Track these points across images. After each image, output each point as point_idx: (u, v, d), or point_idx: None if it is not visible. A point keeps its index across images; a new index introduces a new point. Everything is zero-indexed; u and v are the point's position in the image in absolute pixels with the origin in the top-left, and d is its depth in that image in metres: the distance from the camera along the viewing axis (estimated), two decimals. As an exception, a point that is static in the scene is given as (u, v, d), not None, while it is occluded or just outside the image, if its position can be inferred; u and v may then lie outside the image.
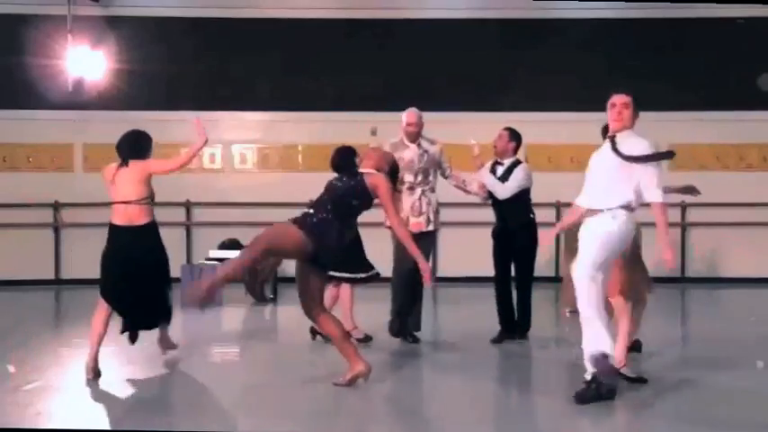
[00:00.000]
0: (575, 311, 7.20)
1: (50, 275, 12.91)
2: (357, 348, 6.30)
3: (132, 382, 6.51)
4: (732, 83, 12.81)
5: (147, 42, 12.76)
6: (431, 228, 7.73)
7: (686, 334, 9.39)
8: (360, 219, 6.35)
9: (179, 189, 12.20)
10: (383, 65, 12.93)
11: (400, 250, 7.59)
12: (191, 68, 12.83)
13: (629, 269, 6.46)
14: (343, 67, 12.91)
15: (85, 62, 12.79)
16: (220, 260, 10.95)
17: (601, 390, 5.65)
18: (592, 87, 12.33)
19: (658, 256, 5.62)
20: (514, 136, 7.82)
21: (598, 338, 5.63)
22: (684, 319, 10.57)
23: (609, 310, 7.35)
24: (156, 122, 12.76)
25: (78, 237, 12.88)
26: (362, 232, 7.64)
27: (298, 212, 6.04)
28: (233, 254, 11.41)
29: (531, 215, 7.80)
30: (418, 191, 7.70)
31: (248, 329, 9.25)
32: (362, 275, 7.43)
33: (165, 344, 7.22)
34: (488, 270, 7.86)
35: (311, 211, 5.96)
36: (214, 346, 7.71)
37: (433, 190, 7.79)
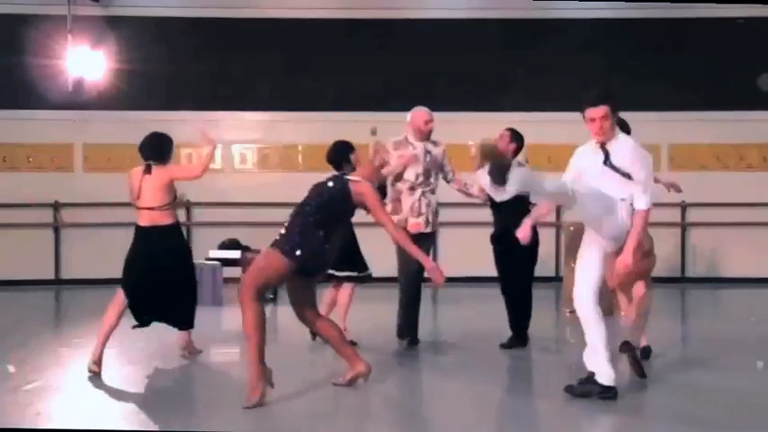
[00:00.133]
0: (575, 311, 7.21)
1: (50, 275, 12.92)
2: (355, 349, 6.30)
3: (132, 382, 6.51)
4: (732, 83, 12.82)
5: (147, 42, 12.77)
6: (429, 229, 7.62)
7: (686, 334, 9.39)
8: (360, 219, 6.34)
9: (179, 189, 12.18)
10: (383, 65, 12.93)
11: (404, 251, 7.58)
12: (191, 68, 12.84)
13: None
14: (343, 67, 12.91)
15: (85, 62, 12.80)
16: (220, 260, 10.98)
17: (593, 390, 5.69)
18: (592, 87, 12.41)
19: (621, 259, 5.58)
20: (516, 137, 7.67)
21: (600, 368, 5.71)
22: (684, 320, 10.57)
23: (614, 305, 7.40)
24: (156, 122, 12.74)
25: (78, 237, 12.89)
26: (363, 232, 7.67)
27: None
28: (233, 254, 11.48)
29: None
30: (419, 191, 7.58)
31: (248, 329, 9.23)
32: (367, 273, 7.52)
33: (189, 349, 7.25)
34: (488, 270, 7.82)
35: (289, 227, 5.76)
36: (214, 346, 7.70)
37: (433, 191, 7.67)
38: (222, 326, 9.49)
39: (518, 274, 7.64)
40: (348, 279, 7.68)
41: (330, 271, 7.43)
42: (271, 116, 13.03)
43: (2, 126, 12.76)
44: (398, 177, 7.59)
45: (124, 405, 5.83)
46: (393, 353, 7.43)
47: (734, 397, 5.95)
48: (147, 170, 6.99)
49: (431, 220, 7.62)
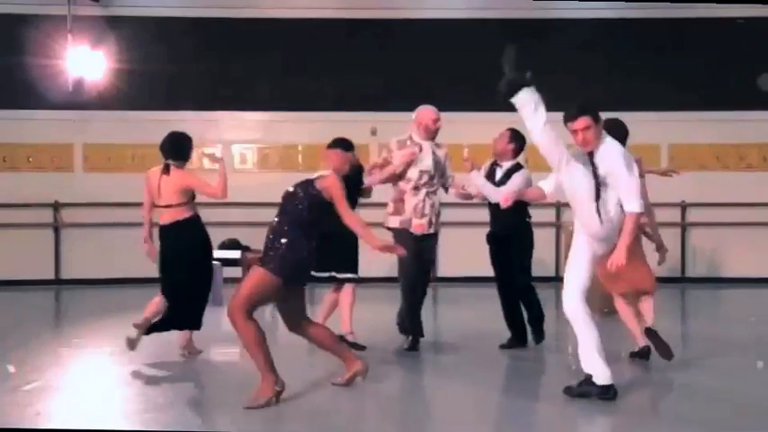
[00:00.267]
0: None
1: (50, 275, 12.92)
2: (350, 348, 6.29)
3: (132, 382, 6.51)
4: (732, 83, 12.82)
5: (147, 42, 12.77)
6: (432, 230, 7.55)
7: (686, 334, 9.38)
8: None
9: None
10: (383, 65, 12.93)
11: (409, 252, 7.55)
12: (191, 68, 12.84)
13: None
14: (343, 67, 12.91)
15: (85, 62, 12.80)
16: (220, 260, 10.96)
17: (592, 390, 5.69)
18: (592, 87, 12.42)
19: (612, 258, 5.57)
20: (515, 137, 7.52)
21: (595, 369, 5.72)
22: (684, 320, 10.56)
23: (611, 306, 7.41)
24: (156, 122, 12.76)
25: (78, 237, 12.89)
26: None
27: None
28: (233, 254, 11.47)
29: (528, 219, 7.52)
30: (423, 192, 7.46)
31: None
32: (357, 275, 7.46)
33: (190, 349, 7.27)
34: (488, 270, 7.80)
35: (271, 242, 5.67)
36: (214, 346, 7.70)
37: (436, 192, 7.57)
38: (222, 326, 9.44)
39: (513, 273, 7.53)
40: (349, 281, 7.58)
41: (331, 273, 7.40)
42: (270, 116, 13.03)
43: (2, 126, 12.76)
44: (401, 177, 7.49)
45: (124, 405, 5.83)
46: (393, 353, 7.42)
47: (734, 397, 5.94)
48: (166, 170, 7.07)
49: (434, 221, 7.54)
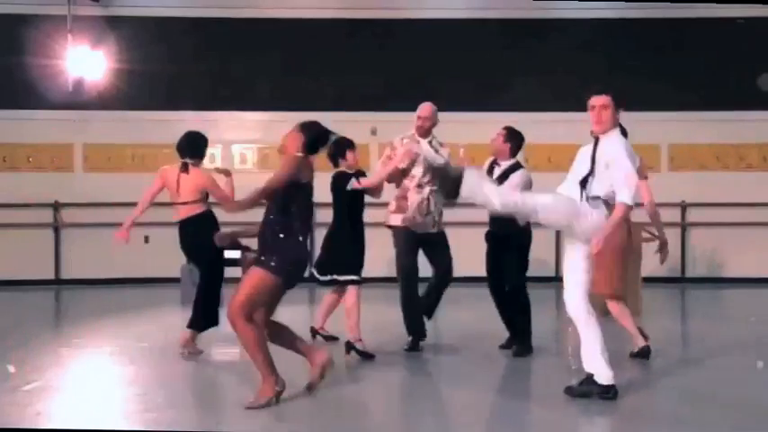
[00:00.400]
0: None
1: (50, 275, 12.92)
2: (305, 341, 6.08)
3: (132, 382, 6.51)
4: (732, 83, 12.82)
5: (147, 42, 12.77)
6: (435, 229, 7.48)
7: (686, 334, 9.39)
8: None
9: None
10: (383, 65, 12.94)
11: (402, 251, 7.53)
12: (191, 68, 12.84)
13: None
14: (343, 67, 12.91)
15: (85, 62, 12.80)
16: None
17: (593, 390, 5.70)
18: (592, 87, 12.41)
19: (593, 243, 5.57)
20: (511, 137, 7.34)
21: (597, 368, 5.73)
22: (684, 320, 10.56)
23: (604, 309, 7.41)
24: (156, 122, 12.82)
25: (78, 237, 12.89)
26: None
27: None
28: (233, 254, 11.44)
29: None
30: (426, 189, 7.41)
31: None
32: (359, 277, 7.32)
33: (190, 348, 7.29)
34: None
35: (265, 242, 5.63)
36: (214, 346, 7.70)
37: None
38: (222, 326, 9.48)
39: (505, 273, 7.32)
40: (351, 283, 7.32)
41: (333, 276, 7.33)
42: (270, 116, 13.01)
43: (2, 126, 12.77)
44: (405, 174, 7.42)
45: (124, 405, 5.83)
46: (393, 353, 7.41)
47: (734, 397, 5.94)
48: (185, 168, 7.25)
49: (437, 220, 7.49)
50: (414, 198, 7.41)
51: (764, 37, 12.80)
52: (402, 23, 13.02)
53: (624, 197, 5.53)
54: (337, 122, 12.01)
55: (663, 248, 7.32)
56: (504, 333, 7.59)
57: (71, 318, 10.72)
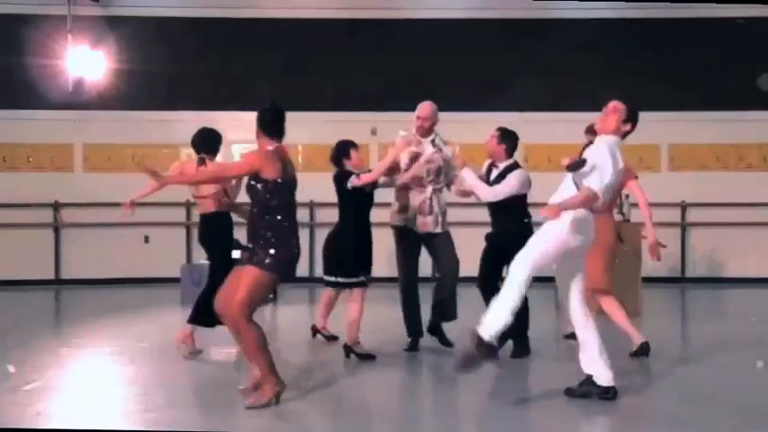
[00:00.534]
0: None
1: (50, 275, 12.92)
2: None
3: (132, 382, 6.51)
4: (732, 83, 12.82)
5: (147, 42, 12.78)
6: (438, 230, 7.40)
7: (686, 334, 9.39)
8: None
9: (179, 189, 12.20)
10: (383, 65, 12.94)
11: (403, 251, 7.52)
12: (191, 68, 12.85)
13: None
14: (343, 67, 12.92)
15: (85, 62, 12.80)
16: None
17: (592, 390, 5.71)
18: (592, 87, 12.42)
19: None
20: (505, 138, 7.24)
21: (597, 370, 5.73)
22: (684, 320, 10.57)
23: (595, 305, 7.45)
24: (156, 122, 12.84)
25: (78, 237, 12.90)
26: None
27: (297, 213, 5.94)
28: (233, 254, 11.45)
29: (526, 220, 7.25)
30: (429, 189, 7.36)
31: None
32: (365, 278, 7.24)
33: (189, 347, 7.30)
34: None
35: (256, 239, 5.60)
36: (214, 347, 7.70)
37: (442, 190, 7.46)
38: (222, 326, 9.48)
39: (500, 275, 7.14)
40: (354, 285, 7.21)
41: (336, 278, 7.24)
42: (271, 116, 13.00)
43: (2, 126, 12.77)
44: (413, 173, 7.35)
45: (124, 405, 5.83)
46: (393, 353, 7.41)
47: (734, 397, 5.94)
48: (202, 163, 7.34)
49: (440, 219, 7.41)
50: (416, 198, 7.38)
51: (764, 37, 12.81)
52: (402, 23, 13.02)
53: (593, 183, 5.50)
54: (337, 122, 12.20)
55: (652, 248, 7.28)
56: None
57: (71, 318, 10.72)
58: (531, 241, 5.71)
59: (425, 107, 7.49)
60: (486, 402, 6.03)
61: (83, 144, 13.10)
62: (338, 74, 12.90)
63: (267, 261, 5.52)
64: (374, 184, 7.18)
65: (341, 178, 7.20)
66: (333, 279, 7.27)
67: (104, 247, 12.69)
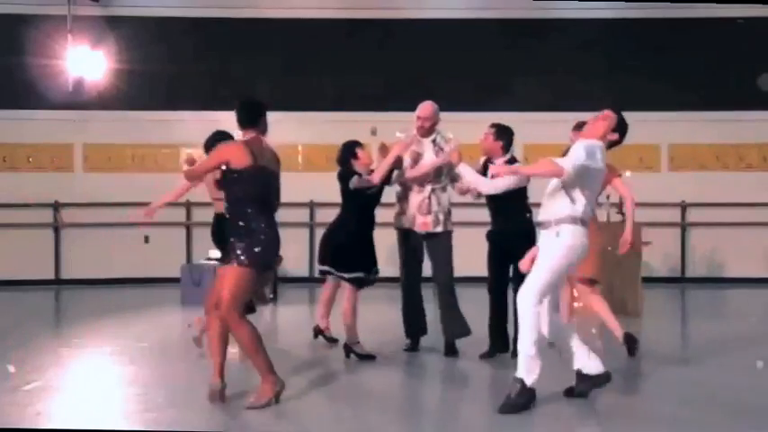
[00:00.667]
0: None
1: (50, 275, 12.92)
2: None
3: (132, 382, 6.51)
4: (732, 83, 12.82)
5: (147, 42, 12.78)
6: (439, 229, 7.33)
7: (686, 334, 9.39)
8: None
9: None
10: (383, 65, 12.95)
11: (404, 253, 7.51)
12: (191, 68, 12.85)
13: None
14: (343, 67, 12.92)
15: (85, 62, 12.80)
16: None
17: (587, 385, 5.76)
18: (592, 87, 12.43)
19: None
20: (500, 134, 7.18)
21: (582, 362, 5.79)
22: (684, 319, 10.56)
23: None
24: (156, 122, 12.84)
25: (78, 237, 12.90)
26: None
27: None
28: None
29: (528, 214, 7.17)
30: (428, 189, 7.32)
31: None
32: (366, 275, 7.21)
33: (197, 328, 7.30)
34: (486, 271, 7.75)
35: (234, 234, 5.63)
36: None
37: (444, 189, 7.39)
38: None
39: (515, 277, 7.03)
40: (347, 281, 7.20)
41: (328, 268, 7.26)
42: (270, 116, 12.92)
43: (2, 126, 12.77)
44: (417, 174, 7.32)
45: (124, 405, 5.83)
46: (393, 353, 7.42)
47: (734, 397, 5.95)
48: None
49: (441, 219, 7.33)
50: (415, 197, 7.35)
51: (764, 37, 12.81)
52: (402, 23, 13.02)
53: (565, 164, 5.48)
54: (337, 122, 12.20)
55: (623, 244, 7.31)
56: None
57: (71, 318, 10.72)
58: (532, 275, 5.70)
59: (426, 107, 7.46)
60: (486, 402, 6.03)
61: (83, 144, 13.10)
62: (338, 74, 12.90)
63: (242, 257, 5.54)
64: (384, 183, 7.18)
65: (345, 177, 7.19)
66: (325, 269, 7.30)
67: (104, 247, 12.69)
